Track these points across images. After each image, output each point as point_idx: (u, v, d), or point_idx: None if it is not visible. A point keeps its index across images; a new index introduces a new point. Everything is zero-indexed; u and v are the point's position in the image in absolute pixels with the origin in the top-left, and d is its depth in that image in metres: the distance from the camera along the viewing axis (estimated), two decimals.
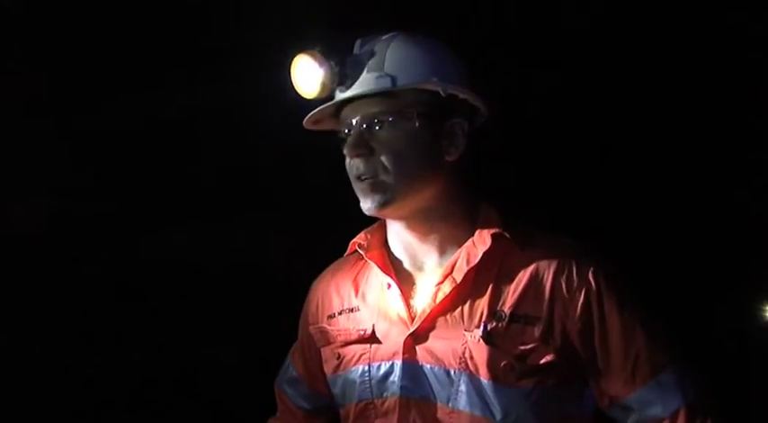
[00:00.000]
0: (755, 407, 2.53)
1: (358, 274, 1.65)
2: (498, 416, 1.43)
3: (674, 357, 1.47)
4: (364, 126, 1.50)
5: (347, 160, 1.54)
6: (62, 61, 2.44)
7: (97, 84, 2.48)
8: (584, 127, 2.57)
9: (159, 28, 2.47)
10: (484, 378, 1.44)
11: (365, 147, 1.49)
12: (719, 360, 2.50)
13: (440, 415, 1.46)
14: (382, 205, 1.50)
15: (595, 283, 1.46)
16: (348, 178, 1.57)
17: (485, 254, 1.49)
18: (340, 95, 1.52)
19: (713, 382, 1.52)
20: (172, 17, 2.47)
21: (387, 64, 1.50)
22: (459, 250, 1.53)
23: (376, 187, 1.49)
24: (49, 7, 2.41)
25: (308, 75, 1.52)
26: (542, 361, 1.44)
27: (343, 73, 1.51)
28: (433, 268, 1.56)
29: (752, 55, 2.50)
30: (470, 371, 1.45)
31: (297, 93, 1.55)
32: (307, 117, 1.58)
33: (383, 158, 1.48)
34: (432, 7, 2.31)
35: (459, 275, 1.50)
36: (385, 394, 1.51)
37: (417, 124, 1.50)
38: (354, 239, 1.65)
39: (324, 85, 1.51)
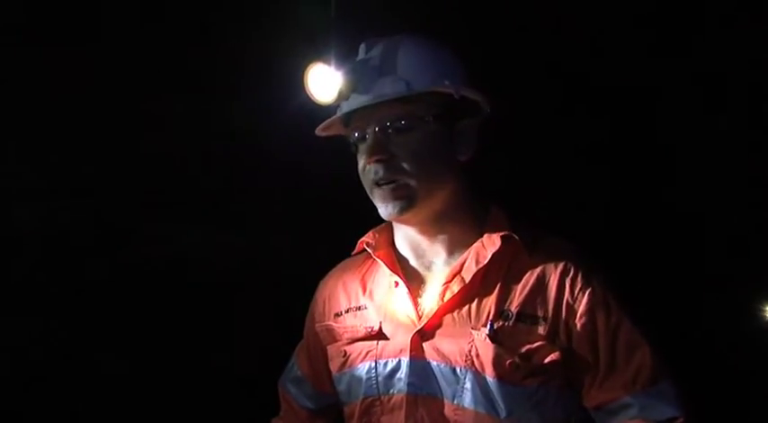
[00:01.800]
0: (755, 407, 2.54)
1: (366, 272, 1.67)
2: (503, 414, 1.45)
3: (670, 370, 1.48)
4: (381, 131, 1.51)
5: (361, 164, 1.54)
6: (65, 62, 2.43)
7: (99, 84, 2.47)
8: (586, 126, 2.58)
9: (158, 30, 2.47)
10: (489, 376, 1.45)
11: (384, 151, 1.50)
12: (719, 360, 2.50)
13: (446, 412, 1.48)
14: (403, 210, 1.51)
15: (601, 289, 1.48)
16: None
17: (494, 255, 1.51)
18: (356, 101, 1.52)
19: (713, 383, 1.53)
20: (180, 23, 2.47)
21: (399, 68, 1.51)
22: (467, 251, 1.54)
23: (398, 192, 1.50)
24: (52, 11, 2.41)
25: (324, 83, 1.52)
26: (547, 360, 1.45)
27: (355, 78, 1.51)
28: (440, 268, 1.57)
29: (753, 56, 2.51)
30: (476, 369, 1.46)
31: (306, 98, 1.54)
32: (321, 125, 1.59)
33: (403, 162, 1.49)
34: (432, 8, 2.31)
35: (468, 275, 1.51)
36: (392, 391, 1.52)
37: (434, 127, 1.51)
38: (362, 238, 1.66)
39: (341, 93, 1.51)
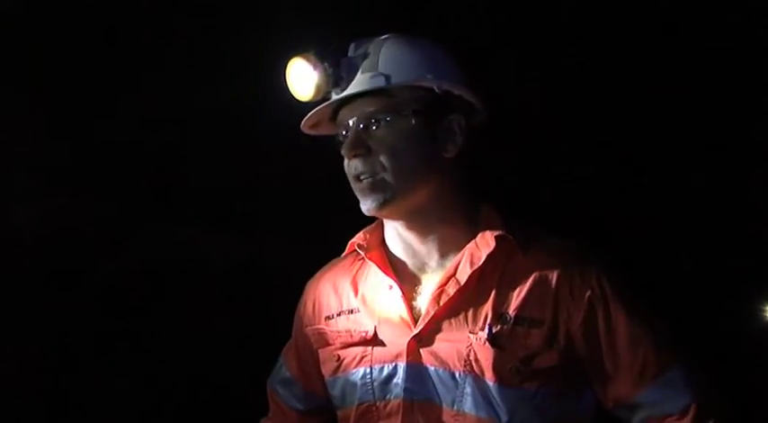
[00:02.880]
0: (755, 407, 2.53)
1: (356, 274, 1.63)
2: (504, 418, 1.43)
3: (680, 355, 1.46)
4: (361, 126, 1.50)
5: (345, 161, 1.53)
6: (64, 61, 2.43)
7: (97, 85, 2.47)
8: (584, 125, 2.57)
9: (157, 30, 2.47)
10: (489, 380, 1.43)
11: (363, 146, 1.49)
12: (720, 361, 2.49)
13: (444, 418, 1.45)
14: (382, 205, 1.49)
15: (599, 285, 1.46)
16: (345, 179, 1.57)
17: (488, 256, 1.48)
18: (335, 97, 1.52)
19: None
20: (169, 20, 2.46)
21: (381, 64, 1.50)
22: (461, 252, 1.52)
23: (375, 187, 1.48)
24: (48, 9, 2.41)
25: (302, 78, 1.52)
26: (547, 363, 1.43)
27: (337, 75, 1.50)
28: (434, 269, 1.54)
29: (753, 60, 2.50)
30: (475, 373, 1.44)
31: (293, 96, 1.55)
32: (304, 120, 1.58)
33: (381, 157, 1.48)
34: (427, 7, 2.30)
35: (462, 277, 1.48)
36: (388, 397, 1.49)
37: (414, 122, 1.49)
38: (353, 240, 1.63)
39: (318, 88, 1.51)
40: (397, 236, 1.58)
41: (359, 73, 1.50)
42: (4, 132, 2.47)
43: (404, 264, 1.58)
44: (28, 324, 2.52)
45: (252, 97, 2.40)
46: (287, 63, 1.54)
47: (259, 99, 2.30)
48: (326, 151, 1.66)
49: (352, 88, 1.50)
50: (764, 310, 2.58)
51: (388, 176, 1.48)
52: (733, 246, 2.59)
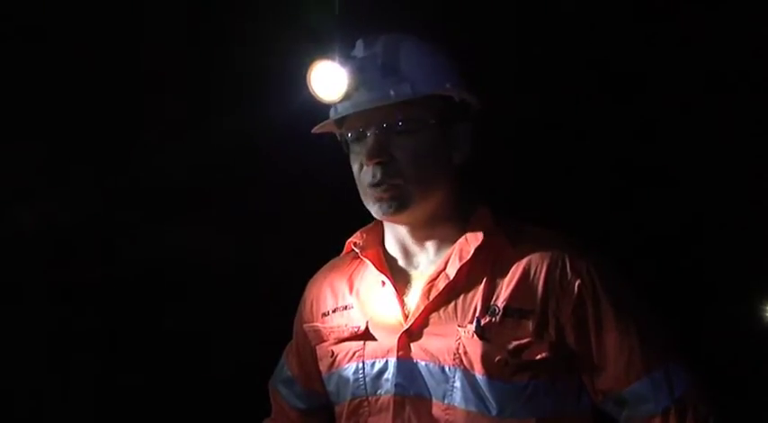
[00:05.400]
0: (755, 407, 2.53)
1: (353, 272, 1.66)
2: (494, 411, 1.43)
3: (668, 354, 1.46)
4: (382, 132, 1.49)
5: (357, 165, 1.53)
6: (63, 65, 2.43)
7: (99, 84, 2.48)
8: (581, 124, 2.57)
9: (168, 31, 2.47)
10: (478, 373, 1.44)
11: (385, 154, 1.48)
12: (719, 361, 2.49)
13: (435, 412, 1.46)
14: (397, 211, 1.49)
15: (590, 277, 1.46)
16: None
17: (477, 249, 1.50)
18: (359, 101, 1.49)
19: (712, 383, 1.51)
20: (180, 21, 2.47)
21: (402, 68, 1.49)
22: (452, 247, 1.53)
23: (394, 193, 1.48)
24: (53, 9, 2.41)
25: (329, 80, 1.48)
26: (537, 355, 1.43)
27: (361, 77, 1.48)
28: (427, 266, 1.56)
29: (753, 60, 2.50)
30: (465, 366, 1.44)
31: (307, 97, 1.51)
32: (319, 125, 1.57)
33: (403, 165, 1.48)
34: (427, 7, 2.31)
35: (452, 271, 1.50)
36: (379, 392, 1.51)
37: (434, 130, 1.50)
38: (350, 239, 1.65)
39: (347, 92, 1.48)
40: (395, 235, 1.60)
41: (379, 76, 1.48)
42: (4, 131, 2.48)
43: (398, 261, 1.60)
44: (28, 324, 2.52)
45: (253, 97, 2.40)
46: (304, 64, 1.49)
47: (261, 99, 2.30)
48: (327, 152, 1.67)
49: (377, 95, 1.47)
50: (765, 311, 2.58)
51: (409, 184, 1.48)
52: (733, 245, 2.59)
